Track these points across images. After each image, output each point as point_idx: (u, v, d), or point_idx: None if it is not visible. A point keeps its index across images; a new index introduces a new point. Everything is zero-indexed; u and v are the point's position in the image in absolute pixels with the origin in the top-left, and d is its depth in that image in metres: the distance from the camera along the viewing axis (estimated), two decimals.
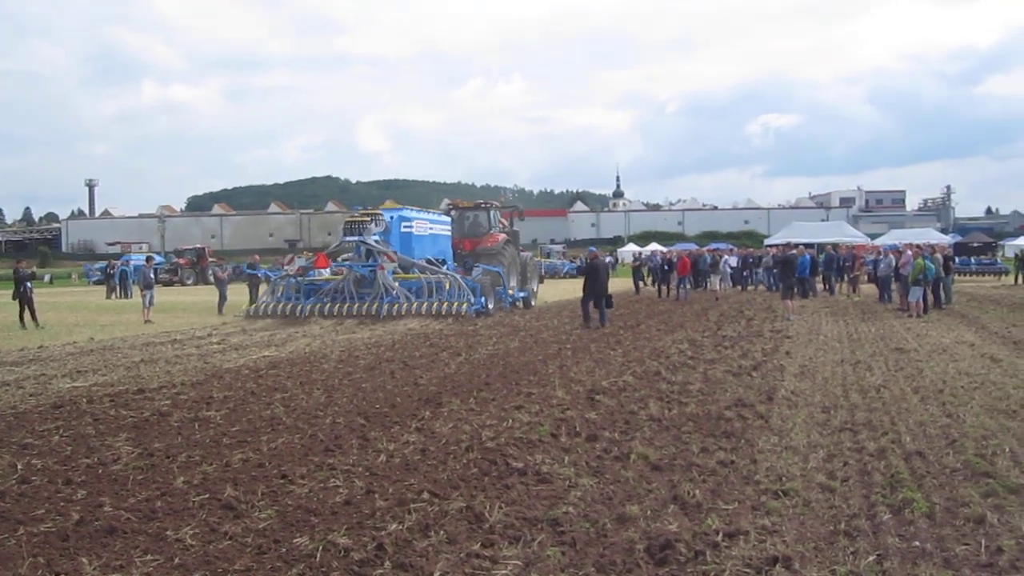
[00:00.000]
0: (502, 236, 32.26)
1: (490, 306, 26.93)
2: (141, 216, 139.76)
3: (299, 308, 25.63)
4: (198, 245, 76.35)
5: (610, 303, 22.53)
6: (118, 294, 44.15)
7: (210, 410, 10.97)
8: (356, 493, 7.13)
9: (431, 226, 30.27)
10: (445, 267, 28.85)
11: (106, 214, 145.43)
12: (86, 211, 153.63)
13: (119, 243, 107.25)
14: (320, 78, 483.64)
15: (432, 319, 24.18)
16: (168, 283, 59.93)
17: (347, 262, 27.48)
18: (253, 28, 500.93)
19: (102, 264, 63.81)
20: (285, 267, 29.24)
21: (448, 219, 32.44)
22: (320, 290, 26.73)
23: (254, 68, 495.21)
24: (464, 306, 24.88)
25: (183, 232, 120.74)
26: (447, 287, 25.80)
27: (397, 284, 25.82)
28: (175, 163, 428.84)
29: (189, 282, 63.39)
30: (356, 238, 26.41)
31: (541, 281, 38.05)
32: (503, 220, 34.82)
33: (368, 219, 26.85)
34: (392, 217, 27.80)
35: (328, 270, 29.08)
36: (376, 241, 26.53)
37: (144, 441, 9.22)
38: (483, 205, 34.60)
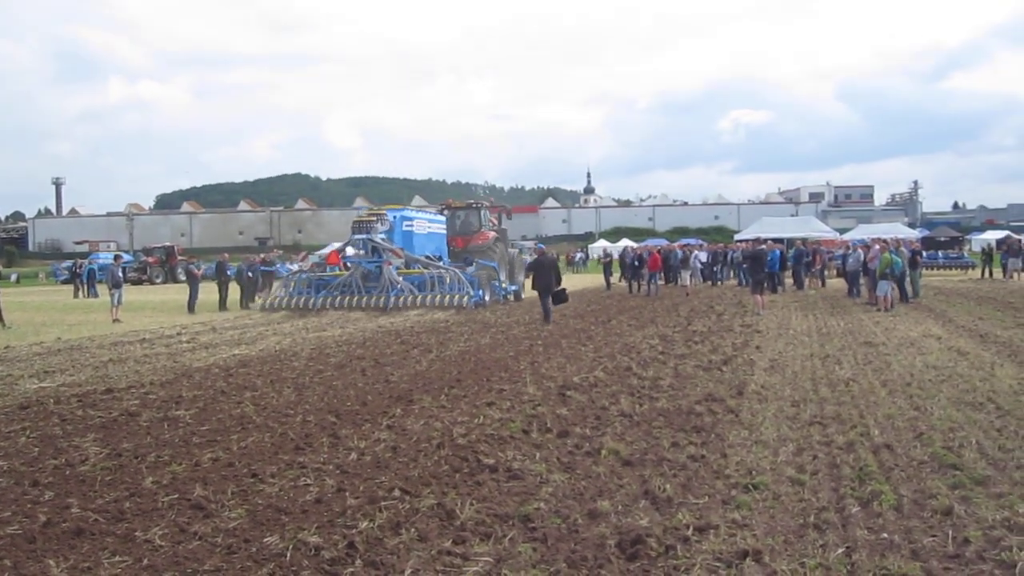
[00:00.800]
0: (492, 234, 34.61)
1: (487, 298, 29.00)
2: (109, 215, 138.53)
3: (311, 301, 27.70)
4: (167, 243, 75.76)
5: (563, 298, 23.02)
6: (85, 293, 43.77)
7: (179, 409, 10.90)
8: (327, 491, 7.10)
9: (429, 224, 32.66)
10: (441, 262, 30.69)
11: (73, 213, 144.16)
12: (53, 210, 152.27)
13: (87, 242, 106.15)
14: (288, 76, 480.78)
15: (436, 310, 26.12)
16: (137, 282, 59.42)
17: (355, 258, 29.64)
18: (220, 26, 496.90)
19: (69, 263, 63.29)
20: (299, 263, 32.70)
21: (443, 218, 34.52)
22: (329, 284, 28.78)
23: (221, 66, 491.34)
24: (464, 298, 26.90)
25: (152, 230, 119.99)
26: (447, 281, 27.96)
27: (401, 279, 27.96)
28: (143, 161, 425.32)
29: (158, 281, 62.93)
30: (364, 236, 28.34)
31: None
32: (492, 219, 36.93)
33: (374, 219, 29.03)
34: (395, 217, 29.96)
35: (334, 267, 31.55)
36: (382, 239, 28.50)
37: (112, 441, 9.14)
38: (474, 205, 37.20)
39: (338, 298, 27.61)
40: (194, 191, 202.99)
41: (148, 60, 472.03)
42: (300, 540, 5.89)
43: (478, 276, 29.32)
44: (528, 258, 37.03)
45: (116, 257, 33.87)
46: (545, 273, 22.88)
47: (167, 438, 9.32)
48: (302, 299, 28.02)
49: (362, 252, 29.22)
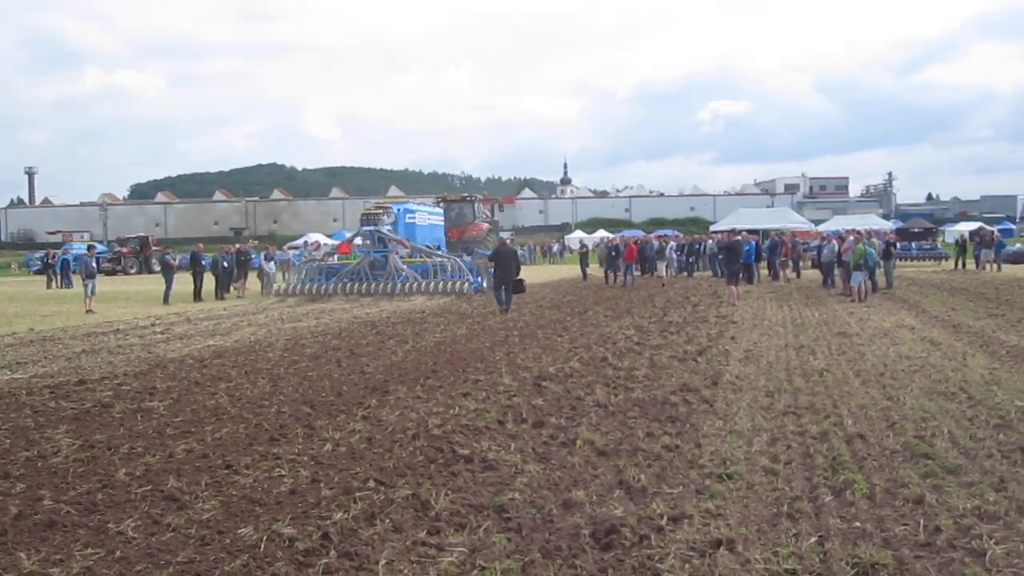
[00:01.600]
0: (485, 225, 38.87)
1: (484, 285, 30.38)
2: (83, 204, 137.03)
3: (323, 287, 30.08)
4: (141, 234, 75.25)
5: (520, 288, 23.52)
6: (59, 284, 43.46)
7: (153, 401, 10.84)
8: (301, 482, 7.08)
9: (429, 216, 35.44)
10: (439, 251, 33.35)
11: (46, 202, 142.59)
12: (26, 199, 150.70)
13: (60, 232, 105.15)
14: (264, 65, 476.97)
15: (439, 295, 28.75)
16: (111, 272, 59.04)
17: (363, 247, 32.06)
18: (195, 15, 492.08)
19: (42, 254, 62.70)
20: (312, 252, 35.45)
21: (440, 210, 37.34)
22: (340, 272, 31.16)
23: (196, 55, 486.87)
24: (465, 284, 29.52)
25: (126, 221, 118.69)
26: (449, 269, 30.51)
27: (406, 267, 30.50)
28: (117, 151, 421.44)
29: (132, 271, 62.53)
30: (372, 227, 30.81)
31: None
32: (486, 211, 41.17)
33: (380, 211, 31.44)
34: (399, 209, 32.50)
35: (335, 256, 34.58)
36: (388, 230, 30.88)
37: (85, 433, 9.08)
38: (468, 198, 40.93)
39: (348, 284, 29.88)
40: (169, 181, 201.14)
41: (122, 50, 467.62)
42: (274, 531, 5.87)
43: (476, 264, 31.50)
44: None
45: (90, 247, 33.50)
46: (504, 263, 23.48)
47: (140, 429, 9.26)
48: (315, 286, 30.24)
49: (369, 242, 31.32)
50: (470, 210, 39.45)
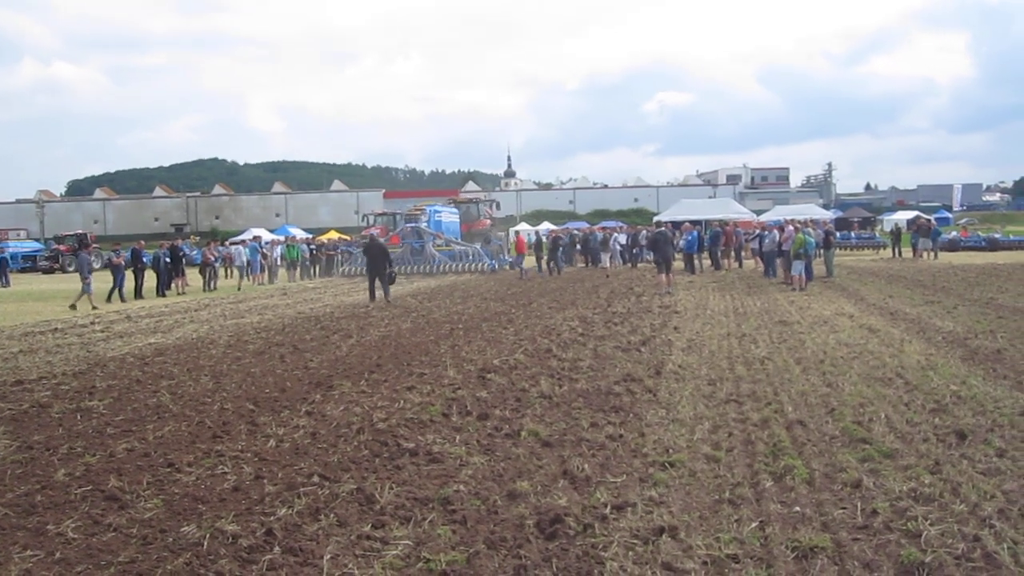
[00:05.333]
0: (488, 221, 51.12)
1: (496, 266, 40.02)
2: (19, 201, 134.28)
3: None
4: (80, 231, 73.87)
5: (392, 279, 25.54)
6: None
7: (93, 400, 10.69)
8: (245, 479, 7.04)
9: (450, 215, 46.31)
10: (459, 242, 43.57)
11: None
12: None
13: None
14: (205, 58, 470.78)
15: (466, 274, 37.85)
16: (48, 270, 57.99)
17: (406, 239, 41.28)
18: (133, 5, 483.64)
19: None
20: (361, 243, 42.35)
21: (457, 210, 48.50)
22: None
23: (136, 48, 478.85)
24: (484, 265, 39.21)
25: (64, 218, 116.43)
26: (470, 255, 40.44)
27: (438, 253, 40.05)
28: (55, 146, 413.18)
29: (71, 269, 61.33)
30: (413, 224, 41.19)
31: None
32: (488, 209, 53.81)
33: (419, 212, 42.38)
34: (430, 211, 43.06)
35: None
36: (424, 226, 40.82)
37: (23, 434, 8.94)
38: (474, 200, 56.86)
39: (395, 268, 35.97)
40: (107, 177, 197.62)
41: (58, 42, 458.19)
42: (217, 528, 5.83)
43: (492, 250, 41.86)
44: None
45: (87, 245, 32.92)
46: (375, 257, 25.38)
47: (80, 429, 9.13)
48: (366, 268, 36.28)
49: (410, 236, 40.95)
50: (475, 209, 51.96)
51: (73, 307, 25.53)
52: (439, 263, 39.25)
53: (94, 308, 25.29)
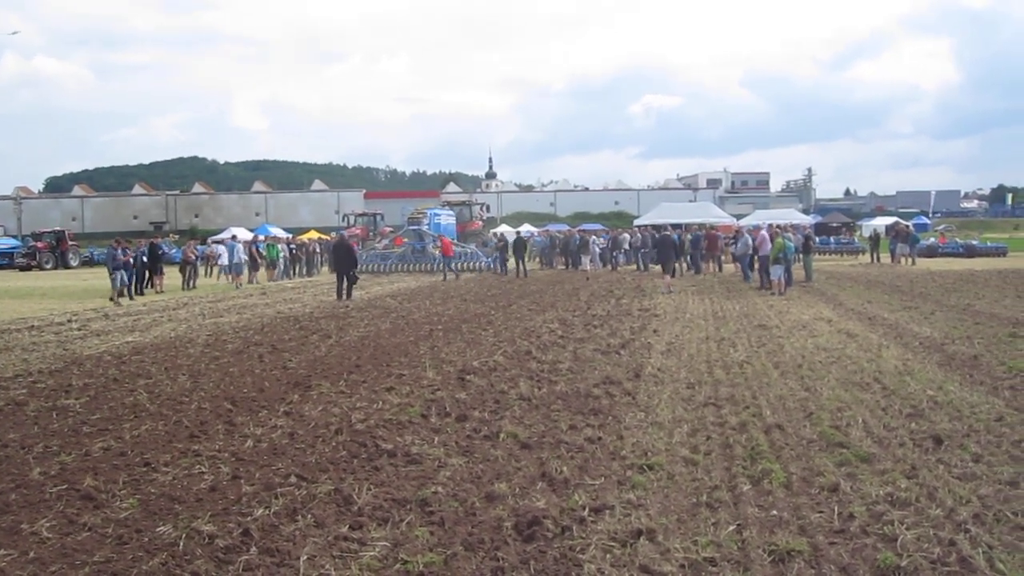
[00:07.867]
0: (480, 222, 54.93)
1: (492, 265, 41.39)
2: None
3: (383, 267, 42.26)
4: (57, 228, 73.28)
5: (355, 278, 27.18)
6: None
7: (69, 398, 10.61)
8: (222, 479, 7.00)
9: (448, 218, 49.20)
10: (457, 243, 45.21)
11: None
12: None
13: None
14: (188, 55, 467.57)
15: (465, 272, 39.85)
16: (26, 268, 57.54)
17: (407, 240, 44.51)
18: (118, 2, 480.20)
19: None
20: (375, 244, 48.94)
21: (453, 212, 51.88)
22: (393, 257, 43.47)
23: (119, 44, 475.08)
24: (481, 264, 41.43)
25: (41, 214, 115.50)
26: (468, 254, 42.66)
27: (438, 253, 40.57)
28: (34, 142, 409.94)
29: (48, 266, 60.90)
30: (415, 227, 43.69)
31: None
32: (480, 212, 58.04)
33: (421, 215, 44.68)
34: (430, 213, 45.83)
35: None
36: (426, 228, 43.38)
37: None
38: (467, 202, 60.05)
39: (400, 265, 42.47)
40: (86, 174, 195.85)
41: (39, 38, 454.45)
42: (194, 529, 5.80)
43: (487, 251, 43.72)
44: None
45: (116, 241, 32.48)
46: (341, 256, 27.06)
47: (56, 428, 9.06)
48: (377, 265, 42.07)
49: (412, 237, 43.80)
50: (467, 211, 55.41)
51: (112, 300, 26.68)
52: (439, 262, 40.52)
53: (112, 300, 26.51)
